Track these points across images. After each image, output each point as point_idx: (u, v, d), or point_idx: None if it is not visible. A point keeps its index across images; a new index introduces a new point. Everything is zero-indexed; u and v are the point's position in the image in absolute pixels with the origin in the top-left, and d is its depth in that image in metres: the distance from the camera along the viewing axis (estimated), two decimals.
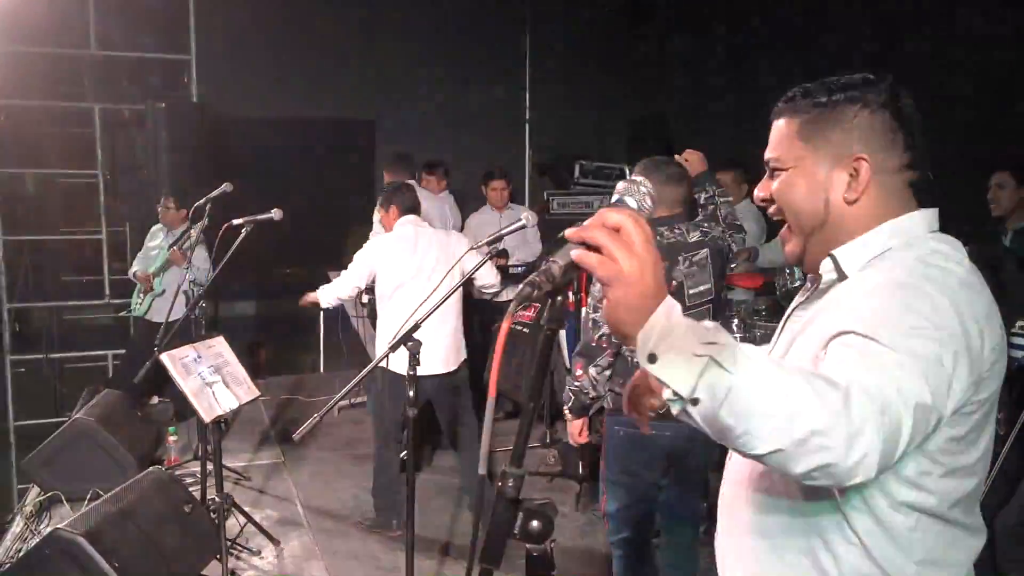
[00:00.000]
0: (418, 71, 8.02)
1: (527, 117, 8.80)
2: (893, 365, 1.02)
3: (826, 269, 1.30)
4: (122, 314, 6.90)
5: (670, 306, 0.96)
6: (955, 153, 4.31)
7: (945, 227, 1.31)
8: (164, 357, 3.51)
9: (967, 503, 1.23)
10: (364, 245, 4.39)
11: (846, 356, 1.05)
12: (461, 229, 6.04)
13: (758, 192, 1.37)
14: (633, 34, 8.22)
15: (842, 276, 1.27)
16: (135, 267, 6.08)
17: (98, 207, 7.01)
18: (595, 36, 8.44)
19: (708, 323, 0.96)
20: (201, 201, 4.53)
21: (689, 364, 0.92)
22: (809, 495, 1.20)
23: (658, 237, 2.82)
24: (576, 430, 2.98)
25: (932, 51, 5.26)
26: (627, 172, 6.07)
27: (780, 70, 6.73)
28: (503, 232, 3.01)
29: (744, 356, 0.93)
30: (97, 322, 10.36)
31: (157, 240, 6.03)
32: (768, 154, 1.35)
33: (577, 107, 8.42)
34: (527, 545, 1.02)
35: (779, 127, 1.34)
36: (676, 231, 2.85)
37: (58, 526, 3.13)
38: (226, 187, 4.42)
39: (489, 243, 3.12)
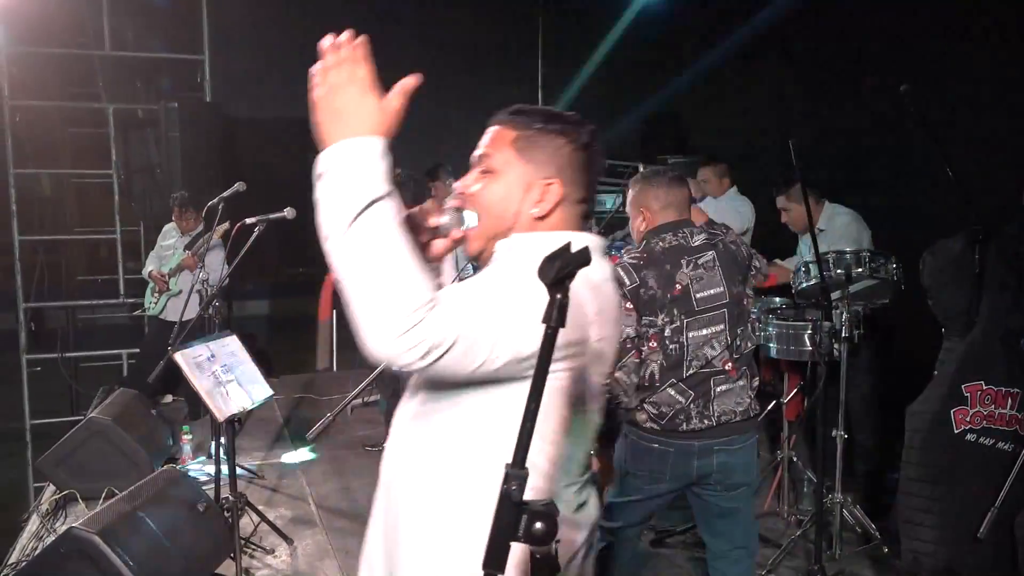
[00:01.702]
0: (430, 70, 8.00)
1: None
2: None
3: (485, 258, 1.48)
4: (136, 313, 6.94)
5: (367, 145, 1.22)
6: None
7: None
8: (178, 356, 3.53)
9: None
10: None
11: None
12: None
13: (459, 184, 1.49)
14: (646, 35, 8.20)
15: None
16: (149, 266, 6.12)
17: (112, 207, 7.05)
18: (607, 35, 8.41)
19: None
20: (214, 201, 4.55)
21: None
22: None
23: (659, 243, 2.82)
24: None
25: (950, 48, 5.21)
26: (640, 170, 6.05)
27: (787, 67, 6.69)
28: None
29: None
30: (112, 321, 10.44)
31: (171, 240, 6.06)
32: (480, 151, 1.48)
33: (590, 105, 8.40)
34: (531, 547, 1.01)
35: (496, 132, 1.48)
36: (679, 235, 2.83)
37: (73, 525, 3.15)
38: (239, 186, 4.42)
39: None
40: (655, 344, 2.78)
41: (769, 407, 4.58)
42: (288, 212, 4.14)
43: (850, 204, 4.60)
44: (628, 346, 2.82)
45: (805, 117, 6.42)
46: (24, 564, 3.22)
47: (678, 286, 2.77)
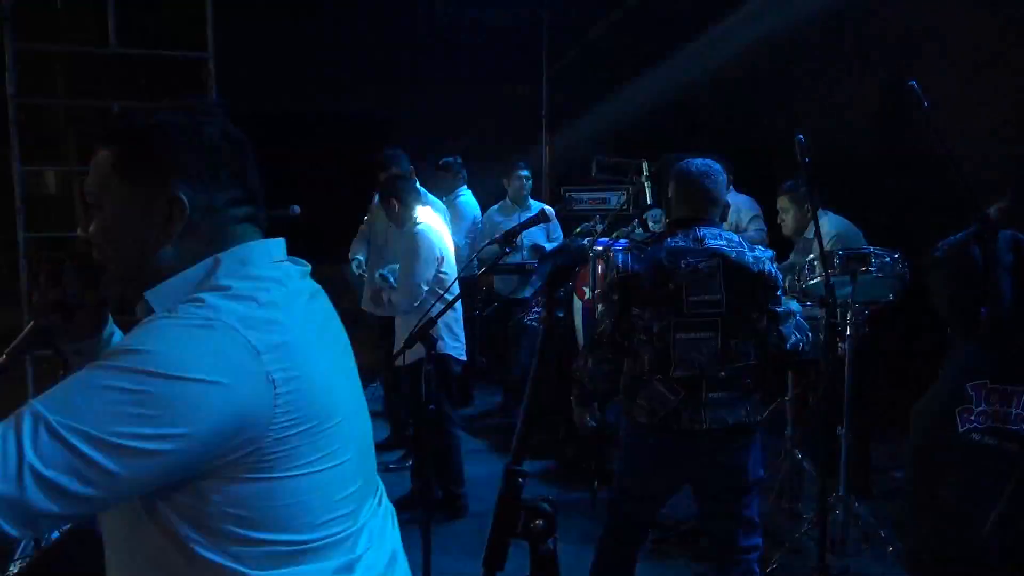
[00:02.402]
0: (435, 68, 8.03)
1: (544, 113, 8.79)
2: None
3: (142, 313, 1.18)
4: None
5: None
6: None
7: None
8: None
9: None
10: (417, 235, 4.33)
11: None
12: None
13: (81, 230, 1.30)
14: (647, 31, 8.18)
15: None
16: None
17: None
18: (612, 32, 8.40)
19: None
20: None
21: None
22: None
23: (668, 238, 2.80)
24: (578, 418, 3.06)
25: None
26: (645, 167, 6.03)
27: (795, 63, 6.68)
28: (516, 228, 3.01)
29: None
30: (117, 318, 10.47)
31: None
32: (84, 186, 1.21)
33: (594, 102, 8.39)
34: (530, 544, 1.01)
35: (96, 159, 1.19)
36: (690, 236, 2.79)
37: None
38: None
39: (507, 237, 3.12)
40: (645, 337, 2.79)
41: (772, 406, 4.58)
42: (294, 210, 4.16)
43: (851, 201, 4.59)
44: (604, 340, 2.86)
45: (809, 112, 6.42)
46: (28, 560, 3.23)
47: (670, 285, 2.75)
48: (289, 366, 1.08)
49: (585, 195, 6.79)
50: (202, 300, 1.08)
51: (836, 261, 3.71)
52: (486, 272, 5.55)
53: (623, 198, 6.74)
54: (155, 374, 0.99)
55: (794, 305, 3.19)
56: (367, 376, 6.69)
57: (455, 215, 5.75)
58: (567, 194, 6.87)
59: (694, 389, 2.75)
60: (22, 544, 4.08)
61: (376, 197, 5.10)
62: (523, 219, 3.45)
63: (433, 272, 4.25)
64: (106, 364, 1.02)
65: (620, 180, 6.67)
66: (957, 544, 3.16)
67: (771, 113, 6.79)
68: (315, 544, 1.13)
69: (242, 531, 1.07)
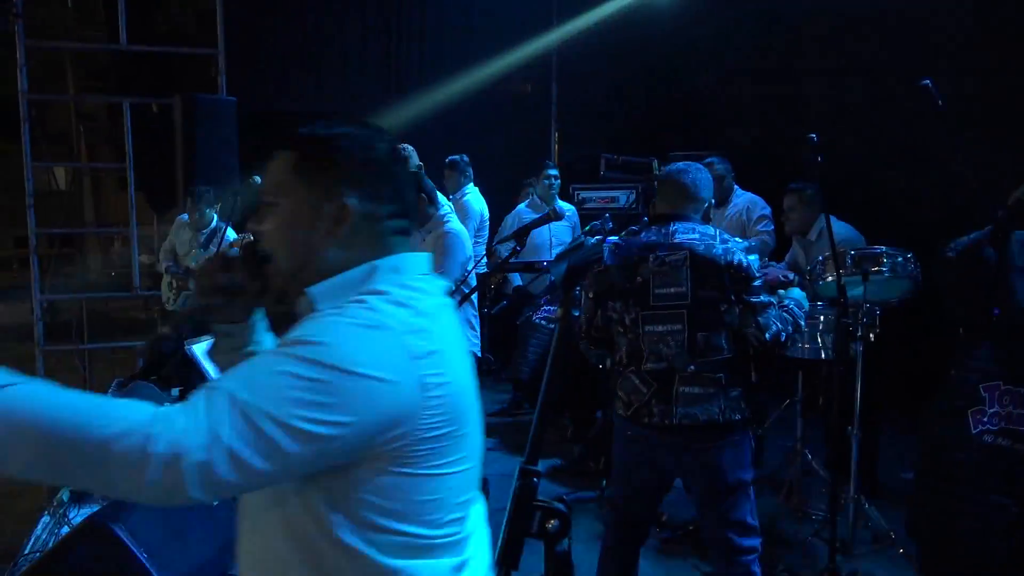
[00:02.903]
0: (443, 67, 8.02)
1: (554, 112, 8.78)
2: None
3: (304, 308, 1.27)
4: (156, 308, 6.99)
5: None
6: None
7: None
8: (193, 349, 3.54)
9: None
10: (451, 235, 4.29)
11: None
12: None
13: (251, 224, 1.34)
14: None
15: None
16: (163, 262, 6.16)
17: (127, 200, 7.08)
18: (621, 31, 8.38)
19: None
20: (229, 195, 4.56)
21: None
22: None
23: (643, 232, 2.84)
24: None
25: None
26: (655, 166, 6.02)
27: (809, 59, 6.66)
28: (529, 225, 3.01)
29: None
30: (125, 314, 10.51)
31: (185, 235, 6.09)
32: (262, 184, 1.33)
33: (604, 101, 8.37)
34: (545, 544, 1.01)
35: (276, 159, 1.31)
36: (662, 231, 2.82)
37: (91, 514, 3.17)
38: (256, 181, 4.44)
39: (516, 235, 3.12)
40: (621, 329, 2.86)
41: (783, 405, 4.57)
42: None
43: (863, 202, 4.58)
44: (582, 335, 2.94)
45: (821, 112, 6.39)
46: (41, 555, 3.24)
47: (639, 279, 2.79)
48: (438, 373, 1.18)
49: (594, 193, 6.77)
50: (366, 302, 1.19)
51: (848, 261, 3.69)
52: (496, 271, 5.55)
53: (632, 196, 6.74)
54: (332, 366, 1.09)
55: (795, 292, 3.12)
56: None
57: (461, 213, 5.74)
58: (576, 193, 6.86)
59: (665, 382, 2.76)
60: (38, 538, 4.10)
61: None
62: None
63: (461, 273, 4.24)
64: (289, 352, 1.11)
65: (630, 178, 6.66)
66: (969, 546, 3.14)
67: (783, 112, 6.77)
68: (440, 541, 1.22)
69: (382, 520, 1.17)
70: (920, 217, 4.96)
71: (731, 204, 5.16)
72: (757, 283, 2.77)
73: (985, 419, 3.11)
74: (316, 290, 1.25)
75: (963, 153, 3.99)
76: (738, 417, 2.79)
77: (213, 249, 5.46)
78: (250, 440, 1.05)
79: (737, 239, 2.85)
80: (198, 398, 1.09)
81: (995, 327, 3.19)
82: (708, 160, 5.32)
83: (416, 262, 1.31)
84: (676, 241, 2.78)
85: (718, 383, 2.75)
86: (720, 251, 2.75)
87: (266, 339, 1.44)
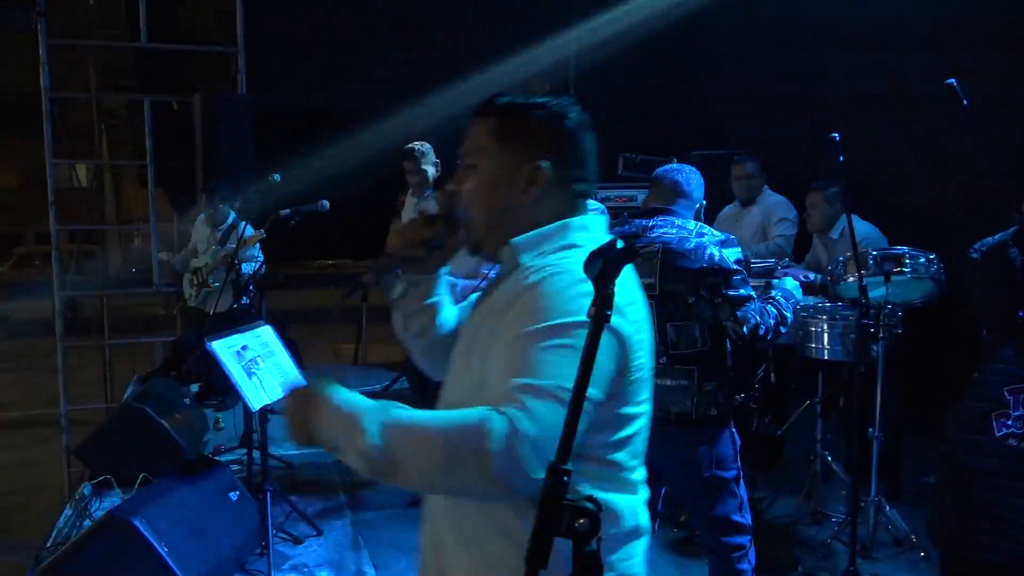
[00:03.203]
0: (462, 66, 8.02)
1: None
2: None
3: (506, 256, 1.42)
4: (179, 305, 7.04)
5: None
6: None
7: None
8: (213, 345, 3.56)
9: None
10: None
11: None
12: None
13: (451, 185, 1.48)
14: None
15: (517, 263, 1.40)
16: (175, 263, 6.25)
17: (147, 198, 7.14)
18: (640, 29, 8.36)
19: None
20: (249, 193, 4.59)
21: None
22: None
23: (628, 226, 2.93)
24: None
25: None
26: (672, 163, 6.00)
27: (831, 57, 6.60)
28: None
29: None
30: (146, 310, 10.58)
31: (203, 233, 6.14)
32: (463, 147, 1.47)
33: (622, 99, 8.35)
34: (574, 544, 1.01)
35: (476, 124, 1.47)
36: (645, 224, 2.87)
37: (111, 509, 3.20)
38: (274, 178, 4.46)
39: None
40: None
41: (804, 406, 4.54)
42: (322, 204, 4.18)
43: (885, 202, 4.54)
44: None
45: (843, 111, 6.35)
46: (63, 548, 3.27)
47: None
48: (633, 321, 1.33)
49: (612, 192, 6.75)
50: (569, 257, 1.35)
51: (870, 262, 3.66)
52: None
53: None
54: (581, 324, 1.16)
55: (787, 283, 3.08)
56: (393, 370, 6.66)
57: None
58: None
59: None
60: (61, 531, 4.14)
61: (412, 192, 5.10)
62: None
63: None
64: (548, 328, 1.24)
65: (648, 178, 6.63)
66: (992, 549, 3.11)
67: (804, 111, 6.73)
68: (634, 476, 1.39)
69: (600, 453, 1.32)
70: (944, 218, 4.91)
71: (757, 204, 5.14)
72: (737, 277, 2.75)
73: (1009, 422, 3.08)
74: (518, 241, 1.39)
75: (987, 153, 3.95)
76: (714, 412, 2.77)
77: (231, 246, 5.50)
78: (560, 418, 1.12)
79: (715, 232, 2.85)
80: (508, 400, 1.18)
81: (1020, 329, 3.16)
82: (739, 159, 5.28)
83: (599, 222, 1.46)
84: (653, 235, 2.82)
85: (690, 375, 2.75)
86: (692, 245, 2.76)
87: (444, 292, 1.57)
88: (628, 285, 1.36)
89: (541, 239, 1.39)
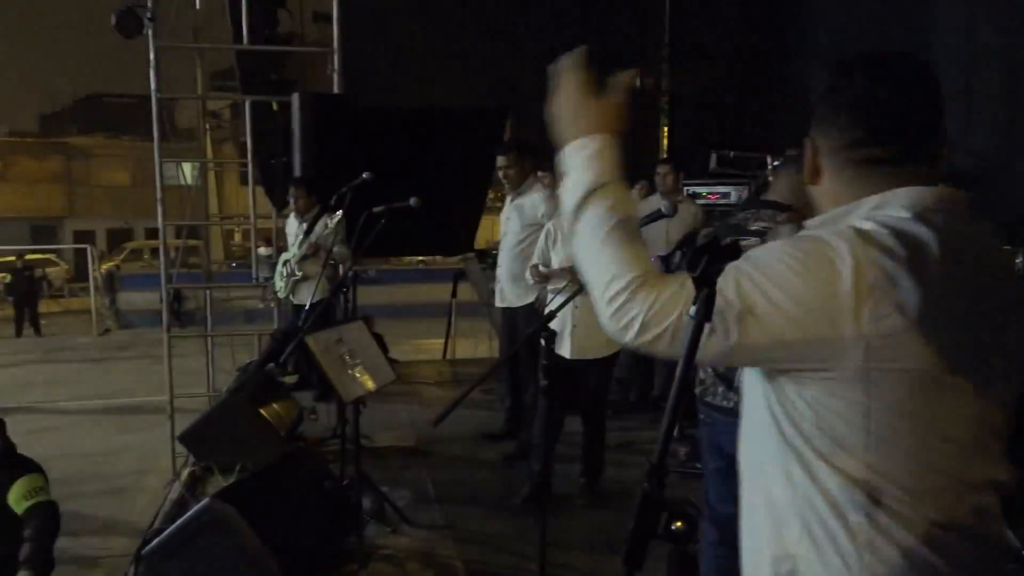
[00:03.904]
0: (553, 58, 8.02)
1: (663, 103, 8.64)
2: None
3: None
4: (269, 296, 7.28)
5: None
6: None
7: None
8: (308, 339, 3.66)
9: None
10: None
11: None
12: None
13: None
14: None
15: None
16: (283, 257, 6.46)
17: (247, 194, 7.39)
18: (736, 21, 8.17)
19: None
20: (343, 190, 4.69)
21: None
22: None
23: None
24: None
25: None
26: (769, 162, 5.85)
27: (937, 49, 6.31)
28: (642, 220, 2.95)
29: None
30: (246, 303, 10.98)
31: (293, 227, 6.35)
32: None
33: (717, 94, 8.19)
34: (670, 546, 0.99)
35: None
36: (751, 216, 2.73)
37: (210, 496, 3.32)
38: (366, 176, 4.55)
39: None
40: None
41: None
42: (413, 201, 4.24)
43: (997, 198, 4.31)
44: None
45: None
46: (165, 532, 3.42)
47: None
48: None
49: (705, 189, 6.62)
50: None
51: None
52: None
53: (745, 193, 6.57)
54: None
55: None
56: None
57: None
58: (685, 188, 6.73)
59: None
60: (165, 514, 4.34)
61: (521, 204, 5.12)
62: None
63: None
64: None
65: (742, 174, 6.49)
66: None
67: None
68: None
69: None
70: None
71: None
72: None
73: None
74: (811, 223, 1.30)
75: None
76: None
77: (318, 235, 5.73)
78: None
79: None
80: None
81: None
82: None
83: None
84: (752, 228, 2.70)
85: None
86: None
87: None
88: None
89: (832, 219, 1.30)
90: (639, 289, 1.17)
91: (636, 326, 1.15)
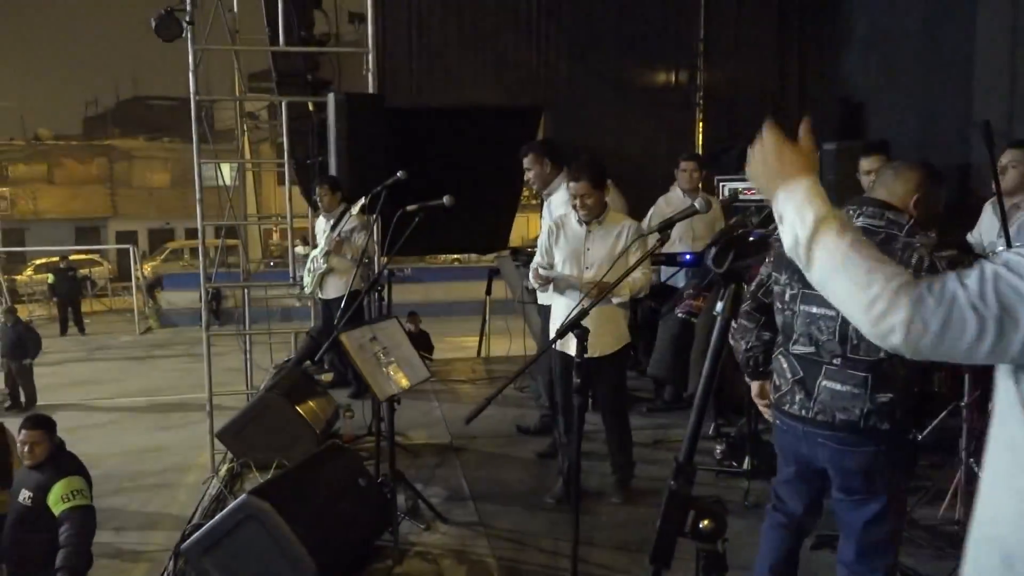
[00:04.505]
0: (587, 56, 7.99)
1: (699, 100, 8.56)
2: None
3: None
4: (296, 292, 7.36)
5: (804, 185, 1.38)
6: None
7: None
8: (343, 337, 3.70)
9: None
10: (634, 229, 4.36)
11: None
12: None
13: None
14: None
15: None
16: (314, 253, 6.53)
17: (284, 194, 7.47)
18: (771, 16, 8.08)
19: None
20: (377, 189, 4.73)
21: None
22: None
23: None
24: (753, 391, 3.04)
25: None
26: None
27: (981, 42, 6.18)
28: (674, 218, 2.92)
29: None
30: (282, 302, 11.10)
31: (321, 225, 6.42)
32: None
33: (751, 89, 8.10)
34: (698, 544, 0.98)
35: None
36: (847, 211, 2.64)
37: (248, 493, 3.37)
38: (400, 175, 4.58)
39: (660, 229, 3.04)
40: (780, 305, 2.75)
41: (946, 411, 4.27)
42: (446, 200, 4.25)
43: None
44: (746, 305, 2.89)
45: (990, 101, 5.92)
46: (205, 526, 3.48)
47: None
48: None
49: (741, 184, 6.55)
50: None
51: None
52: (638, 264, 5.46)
53: None
54: None
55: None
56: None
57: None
58: (721, 185, 6.67)
59: (810, 372, 2.63)
60: (205, 509, 4.42)
61: (550, 202, 5.08)
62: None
63: None
64: None
65: None
66: None
67: (948, 100, 6.32)
68: None
69: None
70: None
71: None
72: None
73: None
74: None
75: None
76: (886, 427, 2.54)
77: (345, 231, 5.82)
78: None
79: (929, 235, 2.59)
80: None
81: None
82: (868, 152, 5.02)
83: None
84: (858, 224, 2.58)
85: (863, 383, 2.55)
86: (900, 245, 2.50)
87: None
88: None
89: None
90: (895, 295, 1.25)
91: (899, 331, 1.23)
